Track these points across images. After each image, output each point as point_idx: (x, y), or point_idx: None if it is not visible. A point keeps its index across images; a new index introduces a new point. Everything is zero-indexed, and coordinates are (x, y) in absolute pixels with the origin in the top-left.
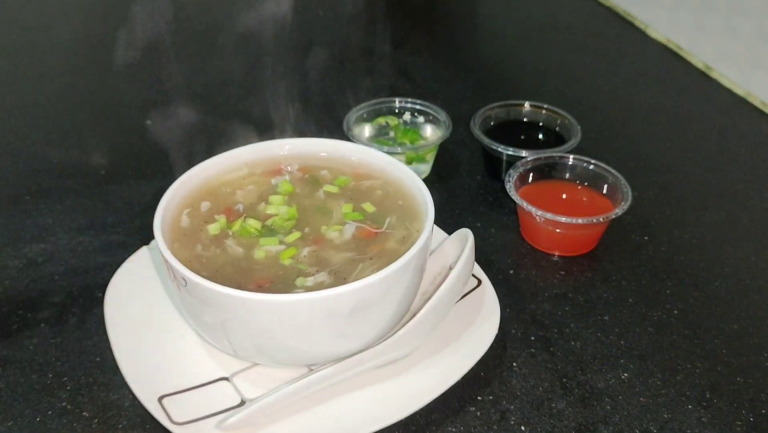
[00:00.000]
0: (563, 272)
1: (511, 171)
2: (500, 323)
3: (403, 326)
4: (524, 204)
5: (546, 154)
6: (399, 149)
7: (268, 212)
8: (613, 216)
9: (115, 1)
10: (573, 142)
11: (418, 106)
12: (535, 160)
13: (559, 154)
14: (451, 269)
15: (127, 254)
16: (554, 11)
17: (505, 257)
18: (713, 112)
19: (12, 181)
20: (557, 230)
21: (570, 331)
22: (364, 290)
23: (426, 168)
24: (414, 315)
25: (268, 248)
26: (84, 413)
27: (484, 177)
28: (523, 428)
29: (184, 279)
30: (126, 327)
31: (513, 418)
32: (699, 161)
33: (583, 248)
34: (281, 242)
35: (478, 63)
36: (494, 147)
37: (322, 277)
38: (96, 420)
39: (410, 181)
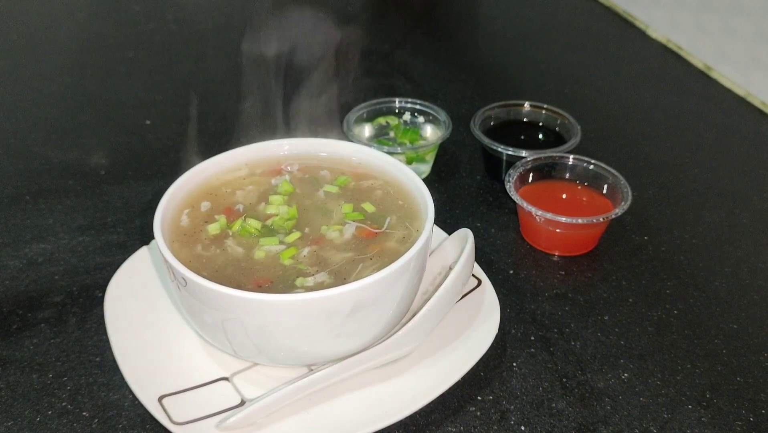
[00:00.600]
0: (563, 272)
1: (511, 171)
2: (500, 323)
3: (403, 326)
4: (524, 204)
5: (546, 154)
6: (399, 149)
7: (268, 212)
8: (613, 216)
9: (115, 1)
10: (573, 142)
11: (418, 106)
12: (535, 160)
13: (559, 154)
14: (451, 269)
15: (127, 254)
16: (554, 11)
17: (505, 257)
18: (713, 112)
19: (12, 181)
20: (557, 230)
21: (570, 331)
22: (364, 290)
23: (426, 168)
24: (414, 315)
25: (268, 248)
26: (84, 413)
27: (484, 177)
28: (523, 428)
29: (184, 279)
30: (126, 327)
31: (513, 418)
32: (699, 161)
33: (583, 248)
34: (281, 242)
35: (478, 63)
36: (494, 147)
37: (322, 277)
38: (96, 420)
39: (410, 181)
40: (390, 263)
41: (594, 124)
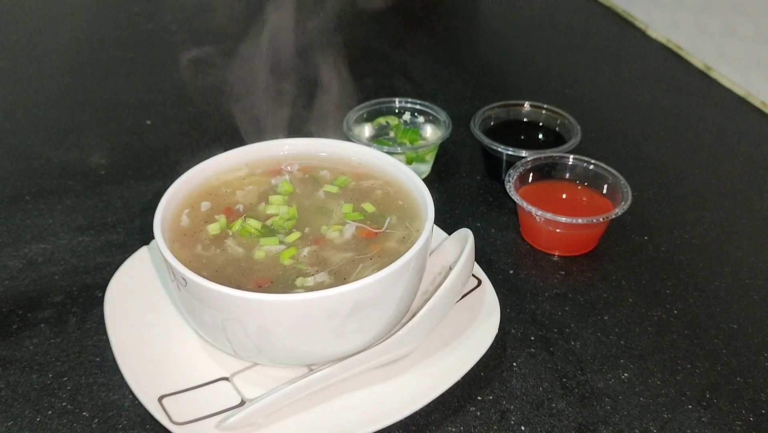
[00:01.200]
0: (563, 272)
1: (511, 171)
2: (500, 323)
3: (403, 325)
4: (524, 204)
5: (546, 154)
6: (399, 149)
7: (268, 212)
8: (613, 216)
9: (116, 1)
10: (573, 142)
11: (418, 106)
12: (535, 160)
13: (559, 154)
14: (451, 269)
15: (127, 254)
16: (554, 11)
17: (505, 257)
18: (713, 112)
19: (12, 181)
20: (557, 230)
21: (570, 331)
22: (364, 290)
23: (426, 168)
24: (414, 315)
25: (268, 248)
26: (84, 413)
27: (484, 177)
28: (523, 428)
29: (184, 279)
30: (126, 327)
31: (513, 418)
32: (699, 161)
33: (583, 248)
34: (281, 242)
35: (478, 63)
36: (494, 147)
37: (322, 277)
38: (96, 420)
39: (410, 181)
40: (390, 263)
41: (594, 124)
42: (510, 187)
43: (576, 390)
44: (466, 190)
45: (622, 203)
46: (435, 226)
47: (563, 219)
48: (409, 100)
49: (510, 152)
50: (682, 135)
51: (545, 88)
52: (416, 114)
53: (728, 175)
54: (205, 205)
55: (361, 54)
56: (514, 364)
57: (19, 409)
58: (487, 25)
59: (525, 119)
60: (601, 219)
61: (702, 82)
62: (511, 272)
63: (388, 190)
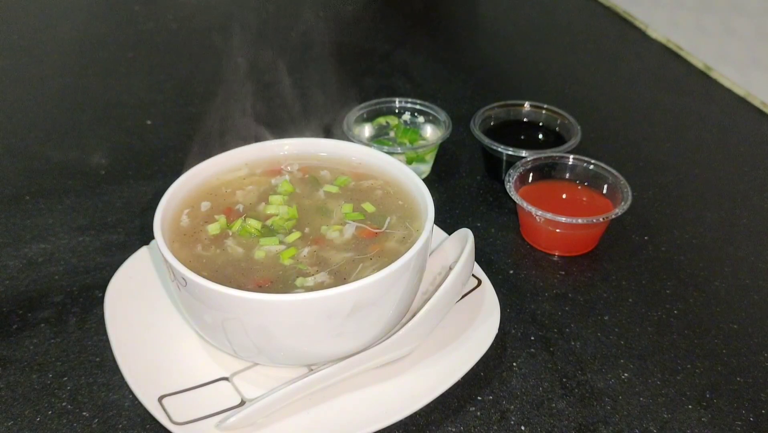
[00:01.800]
0: (563, 272)
1: (511, 171)
2: (500, 323)
3: (403, 326)
4: (524, 204)
5: (546, 154)
6: (399, 149)
7: (268, 212)
8: (613, 216)
9: (116, 1)
10: (573, 142)
11: (418, 106)
12: (535, 160)
13: (559, 154)
14: (451, 269)
15: (127, 254)
16: (554, 11)
17: (505, 257)
18: (713, 112)
19: (12, 181)
20: (557, 230)
21: (570, 331)
22: (364, 290)
23: (426, 168)
24: (414, 315)
25: (268, 248)
26: (84, 413)
27: (484, 177)
28: (523, 428)
29: (184, 279)
30: (126, 327)
31: (513, 418)
32: (699, 161)
33: (583, 248)
34: (281, 242)
35: (478, 63)
36: (494, 147)
37: (322, 277)
38: (96, 420)
39: (410, 181)
40: (390, 263)
41: (594, 124)
42: (510, 187)
43: (576, 390)
44: (466, 190)
45: (622, 203)
46: (435, 226)
47: (563, 219)
48: (409, 100)
49: (510, 152)
50: (682, 135)
51: (545, 88)
52: (416, 114)
53: (728, 175)
54: (205, 205)
55: (361, 54)
56: (514, 364)
57: (19, 409)
58: (487, 25)
59: (525, 119)
60: (601, 219)
61: (702, 82)
62: (511, 272)
63: (388, 190)
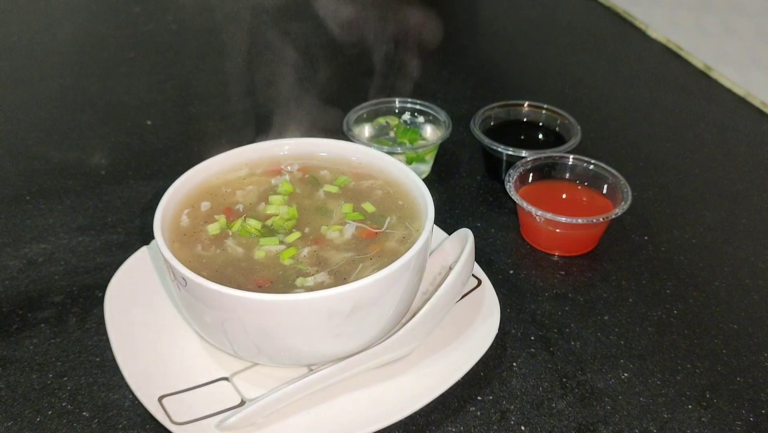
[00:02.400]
0: (563, 272)
1: (511, 171)
2: (500, 323)
3: (403, 325)
4: (524, 204)
5: (546, 154)
6: (399, 149)
7: (268, 212)
8: (613, 216)
9: (116, 1)
10: (573, 142)
11: (418, 106)
12: (535, 160)
13: (559, 154)
14: (451, 269)
15: (127, 254)
16: (554, 11)
17: (505, 257)
18: (713, 112)
19: (12, 181)
20: (557, 230)
21: (570, 331)
22: (364, 289)
23: (426, 168)
24: (414, 315)
25: (268, 248)
26: (84, 413)
27: (484, 177)
28: (523, 428)
29: (184, 279)
30: (126, 327)
31: (513, 418)
32: (699, 161)
33: (583, 248)
34: (281, 242)
35: (478, 63)
36: (494, 147)
37: (322, 277)
38: (96, 420)
39: (410, 181)
40: (390, 263)
41: (594, 124)
42: (510, 187)
43: (576, 390)
44: (466, 190)
45: (622, 203)
46: (435, 226)
47: (563, 219)
48: (409, 100)
49: (510, 152)
50: (682, 135)
51: (545, 88)
52: (416, 114)
53: (728, 175)
54: (205, 205)
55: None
56: (514, 364)
57: (19, 409)
58: (487, 25)
59: (525, 119)
60: (601, 219)
61: (702, 82)
62: (511, 272)
63: (388, 190)
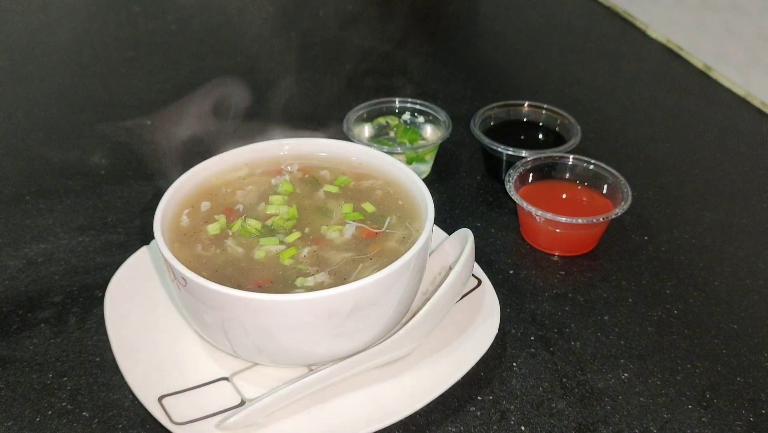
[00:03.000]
0: (563, 272)
1: (511, 171)
2: (500, 323)
3: (403, 325)
4: (524, 204)
5: (546, 154)
6: (399, 149)
7: (268, 212)
8: (613, 216)
9: (115, 1)
10: (573, 142)
11: (418, 106)
12: (535, 160)
13: (559, 154)
14: (451, 269)
15: (127, 254)
16: (554, 11)
17: (505, 257)
18: (713, 112)
19: (12, 181)
20: (557, 230)
21: (570, 331)
22: (363, 289)
23: (426, 168)
24: (414, 315)
25: (268, 248)
26: (84, 413)
27: (484, 177)
28: (523, 428)
29: (184, 279)
30: (126, 327)
31: (513, 418)
32: (699, 161)
33: (583, 248)
34: (281, 242)
35: (478, 63)
36: (494, 147)
37: (322, 277)
38: (96, 420)
39: (410, 181)
40: (390, 263)
41: (594, 124)
42: (510, 187)
43: (576, 390)
44: (466, 190)
45: (622, 203)
46: (435, 226)
47: (563, 219)
48: (409, 100)
49: (510, 152)
50: (682, 135)
51: (545, 88)
52: (416, 114)
53: (728, 175)
54: (205, 205)
55: (362, 54)
56: (514, 364)
57: (19, 409)
58: (487, 25)
59: (525, 119)
60: (601, 219)
61: (702, 82)
62: (511, 272)
63: (388, 190)
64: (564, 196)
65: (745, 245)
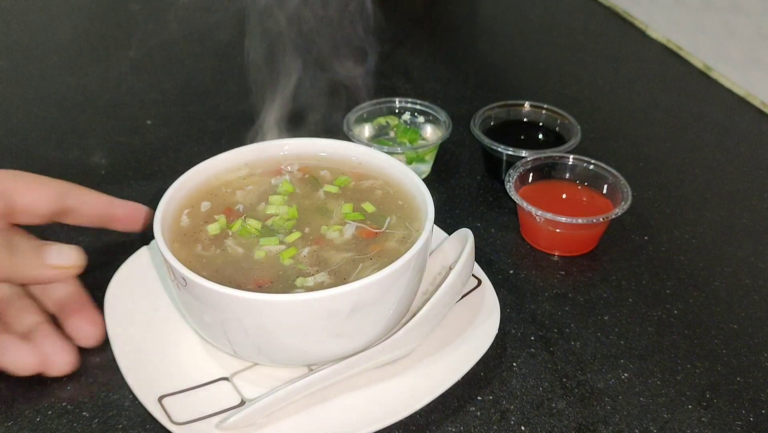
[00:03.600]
0: (563, 272)
1: (511, 171)
2: (500, 323)
3: (403, 325)
4: (524, 204)
5: (546, 154)
6: (399, 149)
7: (268, 212)
8: (613, 216)
9: (115, 1)
10: (573, 142)
11: (418, 106)
12: (535, 160)
13: (559, 154)
14: (451, 269)
15: (127, 254)
16: (554, 11)
17: (505, 257)
18: (713, 112)
19: None
20: (557, 230)
21: (570, 331)
22: (363, 290)
23: (426, 168)
24: (414, 315)
25: (268, 248)
26: (84, 413)
27: (484, 177)
28: (523, 428)
29: (183, 279)
30: (126, 327)
31: (513, 418)
32: (699, 161)
33: (583, 248)
34: (281, 242)
35: (478, 63)
36: (494, 147)
37: (322, 277)
38: (96, 420)
39: (410, 181)
40: (390, 263)
41: (594, 124)
42: (510, 187)
43: (576, 390)
44: (466, 190)
45: (622, 203)
46: (435, 226)
47: (563, 219)
48: (409, 100)
49: (510, 152)
50: (682, 135)
51: (545, 88)
52: (416, 114)
53: (728, 175)
54: (205, 205)
55: (361, 54)
56: (514, 364)
57: (19, 409)
58: (487, 25)
59: (525, 119)
60: (601, 219)
61: (702, 82)
62: (511, 272)
63: (388, 191)
64: (564, 196)
65: (745, 245)
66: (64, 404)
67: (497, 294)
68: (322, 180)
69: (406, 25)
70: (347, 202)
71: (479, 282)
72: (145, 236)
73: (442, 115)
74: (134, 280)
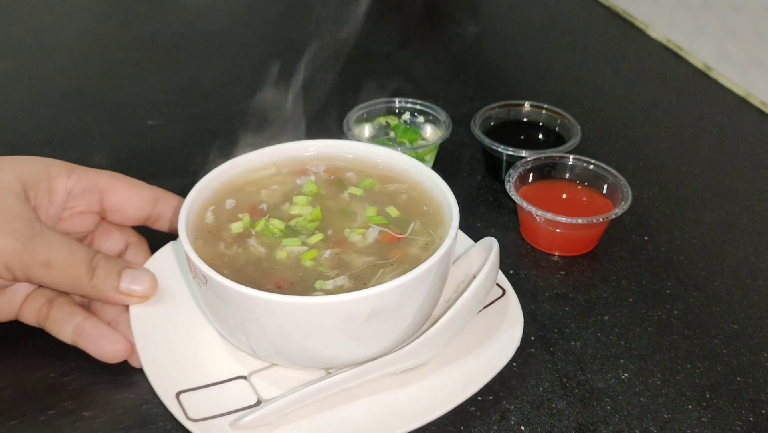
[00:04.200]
0: (563, 272)
1: (511, 171)
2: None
3: (423, 333)
4: (524, 204)
5: (546, 154)
6: (399, 149)
7: (292, 213)
8: (613, 216)
9: (120, 1)
10: (573, 142)
11: (418, 106)
12: (535, 160)
13: (559, 154)
14: (474, 277)
15: (154, 248)
16: (554, 11)
17: (505, 257)
18: (713, 112)
19: None
20: (557, 230)
21: (570, 331)
22: (382, 295)
23: None
24: (435, 322)
25: (290, 248)
26: (85, 413)
27: (484, 177)
28: (523, 428)
29: (204, 277)
30: (147, 322)
31: (513, 418)
32: (699, 161)
33: (583, 248)
34: (303, 243)
35: (478, 63)
36: (494, 147)
37: (342, 280)
38: (98, 419)
39: (436, 186)
40: (411, 270)
41: (594, 124)
42: (510, 187)
43: (576, 390)
44: (466, 190)
45: (622, 203)
46: (460, 232)
47: (563, 219)
48: (409, 100)
49: (510, 152)
50: (682, 135)
51: (545, 88)
52: (416, 114)
53: (728, 175)
54: (230, 203)
55: (362, 54)
56: (514, 364)
57: (22, 408)
58: (487, 25)
59: (525, 119)
60: (601, 219)
61: (702, 82)
62: (511, 272)
63: (414, 195)
64: (564, 196)
65: (745, 245)
66: (66, 403)
67: None
68: (347, 182)
69: (407, 25)
70: (372, 205)
71: (504, 292)
72: (147, 236)
73: (442, 115)
74: (158, 275)
